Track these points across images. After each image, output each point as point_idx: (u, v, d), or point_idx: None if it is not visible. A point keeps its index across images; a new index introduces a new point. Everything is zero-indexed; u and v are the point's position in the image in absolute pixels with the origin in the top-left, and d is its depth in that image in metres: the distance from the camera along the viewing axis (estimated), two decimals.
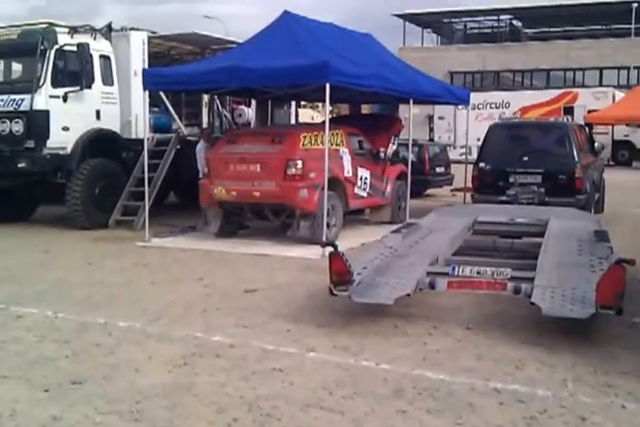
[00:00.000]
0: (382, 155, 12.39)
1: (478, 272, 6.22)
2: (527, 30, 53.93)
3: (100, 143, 12.40)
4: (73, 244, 10.90)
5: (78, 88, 11.80)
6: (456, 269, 6.34)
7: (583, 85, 40.90)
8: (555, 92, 34.82)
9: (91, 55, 12.00)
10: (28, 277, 8.42)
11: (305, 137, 10.68)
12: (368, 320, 6.33)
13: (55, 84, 11.68)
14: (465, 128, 16.60)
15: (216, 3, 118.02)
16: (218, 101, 15.90)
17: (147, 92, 10.96)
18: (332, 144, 11.06)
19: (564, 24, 50.12)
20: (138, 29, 13.20)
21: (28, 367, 5.18)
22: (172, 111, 14.15)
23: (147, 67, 13.16)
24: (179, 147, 13.40)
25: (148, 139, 12.90)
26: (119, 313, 6.69)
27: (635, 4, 44.84)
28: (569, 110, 30.84)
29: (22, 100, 11.47)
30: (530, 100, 33.61)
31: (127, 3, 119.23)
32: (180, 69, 10.85)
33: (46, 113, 11.48)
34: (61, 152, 11.85)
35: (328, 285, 6.08)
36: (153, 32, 13.60)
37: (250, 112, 15.99)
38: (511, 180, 11.96)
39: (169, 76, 10.54)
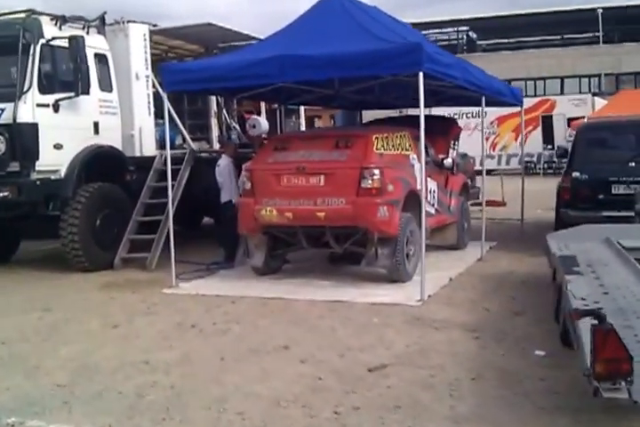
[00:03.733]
0: (449, 163, 10.02)
1: None
2: (481, 42, 52.52)
3: (99, 163, 9.84)
4: (78, 295, 8.32)
5: (73, 94, 9.22)
6: None
7: (544, 95, 39.34)
8: (532, 101, 33.02)
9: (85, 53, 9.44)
10: (37, 355, 5.85)
11: (378, 139, 8.33)
12: None
13: (43, 90, 9.09)
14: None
15: None
16: (225, 111, 13.50)
17: (165, 97, 8.47)
18: (401, 149, 8.74)
19: (519, 34, 48.88)
20: (136, 22, 10.69)
21: None
22: (178, 123, 11.66)
23: (149, 68, 10.76)
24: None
25: (157, 156, 10.63)
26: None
27: (600, 10, 43.57)
28: (547, 119, 29.31)
29: (2, 110, 8.86)
30: (507, 110, 31.68)
31: None
32: (213, 63, 8.37)
33: (34, 126, 8.88)
34: (54, 176, 9.27)
35: (585, 374, 3.66)
36: (154, 25, 11.11)
37: (265, 123, 13.54)
38: (616, 191, 9.74)
39: (199, 72, 8.07)
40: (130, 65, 10.47)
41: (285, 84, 9.16)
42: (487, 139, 25.91)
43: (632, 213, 9.32)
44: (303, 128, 15.74)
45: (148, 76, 10.78)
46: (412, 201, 8.53)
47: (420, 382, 4.86)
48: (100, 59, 10.02)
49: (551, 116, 29.95)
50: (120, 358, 5.65)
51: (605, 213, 9.63)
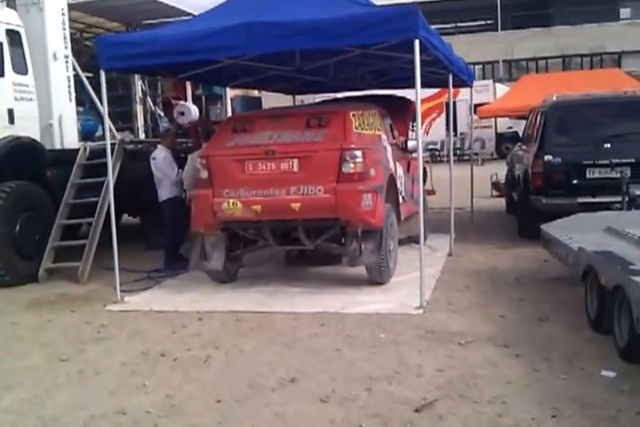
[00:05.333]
0: (414, 146, 8.95)
1: None
2: None
3: (16, 158, 8.33)
4: (3, 318, 6.88)
5: None
6: None
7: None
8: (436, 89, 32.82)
9: None
10: None
11: (355, 117, 7.29)
12: None
13: None
14: None
15: None
16: (149, 97, 12.12)
17: (103, 76, 7.11)
18: (374, 129, 7.73)
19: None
20: None
21: None
22: (101, 110, 10.15)
23: (69, 47, 9.30)
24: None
25: (81, 149, 9.25)
26: None
27: None
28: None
29: None
30: (414, 97, 31.24)
31: None
32: (161, 34, 6.96)
33: None
34: None
35: None
36: None
37: (195, 109, 12.21)
38: (591, 175, 9.07)
39: (144, 45, 6.71)
40: (46, 43, 8.93)
41: (237, 61, 7.98)
42: None
43: (608, 200, 8.75)
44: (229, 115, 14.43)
45: (67, 57, 9.31)
46: (390, 188, 7.57)
47: (490, 424, 3.85)
48: (13, 36, 8.46)
49: (455, 103, 29.70)
50: (85, 408, 4.39)
51: (580, 200, 8.98)
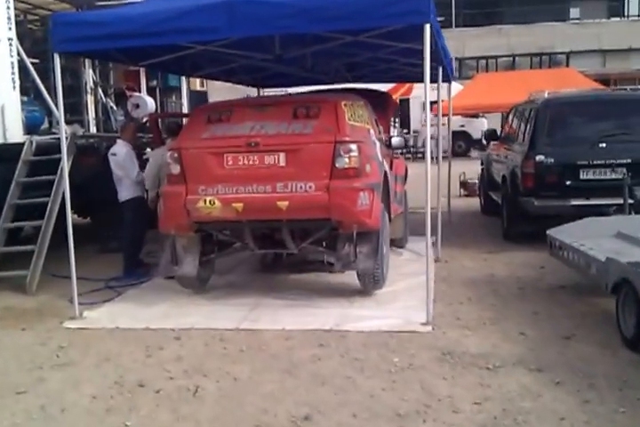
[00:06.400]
0: (400, 142, 8.24)
1: None
2: None
3: None
4: None
5: None
6: None
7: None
8: (390, 85, 32.50)
9: None
10: None
11: (347, 107, 6.58)
12: None
13: None
14: None
15: None
16: (100, 88, 11.17)
17: (57, 60, 6.19)
18: (363, 122, 7.02)
19: None
20: None
21: None
22: (49, 101, 9.23)
23: (13, 29, 8.31)
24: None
25: (27, 144, 8.28)
26: None
27: None
28: (404, 102, 28.54)
29: None
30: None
31: None
32: (128, 13, 6.04)
33: None
34: None
35: None
36: None
37: (151, 102, 11.32)
38: (585, 176, 8.56)
39: (107, 25, 5.81)
40: None
41: (210, 46, 7.15)
42: None
43: (603, 202, 8.31)
44: (186, 110, 13.51)
45: (11, 39, 8.29)
46: (384, 187, 6.87)
47: None
48: None
49: (408, 100, 29.29)
50: None
51: (574, 202, 8.49)
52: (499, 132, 11.52)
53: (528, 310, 6.05)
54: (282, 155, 6.10)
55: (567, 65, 33.19)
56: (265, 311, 6.23)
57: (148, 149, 10.99)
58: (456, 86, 29.91)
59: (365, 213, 6.11)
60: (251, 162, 6.14)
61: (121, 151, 7.91)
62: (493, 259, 8.37)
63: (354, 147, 6.08)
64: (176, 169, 6.35)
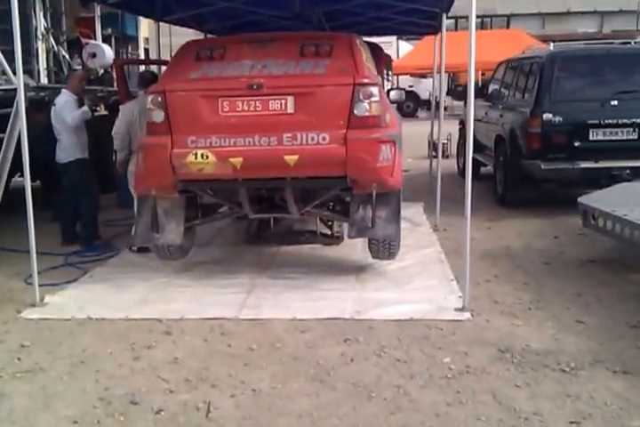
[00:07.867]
0: (399, 95, 7.28)
1: None
2: None
3: None
4: None
5: None
6: None
7: None
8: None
9: None
10: None
11: (362, 46, 5.65)
12: None
13: None
14: None
15: None
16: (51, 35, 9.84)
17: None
18: (372, 67, 6.04)
19: None
20: None
21: None
22: None
23: None
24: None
25: None
26: None
27: None
28: None
29: None
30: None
31: None
32: None
33: None
34: None
35: None
36: None
37: (109, 51, 10.05)
38: (594, 137, 7.84)
39: None
40: None
41: None
42: None
43: (613, 165, 7.73)
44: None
45: None
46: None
47: None
48: None
49: None
50: None
51: (584, 165, 7.78)
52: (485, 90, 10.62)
53: (569, 290, 5.26)
54: (290, 99, 5.06)
55: (507, 27, 33.34)
56: (265, 295, 5.27)
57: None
58: (406, 46, 29.28)
59: (387, 170, 5.15)
60: (252, 108, 5.08)
61: (60, 100, 6.84)
62: (499, 228, 7.59)
63: (375, 91, 5.10)
64: (159, 116, 5.22)
